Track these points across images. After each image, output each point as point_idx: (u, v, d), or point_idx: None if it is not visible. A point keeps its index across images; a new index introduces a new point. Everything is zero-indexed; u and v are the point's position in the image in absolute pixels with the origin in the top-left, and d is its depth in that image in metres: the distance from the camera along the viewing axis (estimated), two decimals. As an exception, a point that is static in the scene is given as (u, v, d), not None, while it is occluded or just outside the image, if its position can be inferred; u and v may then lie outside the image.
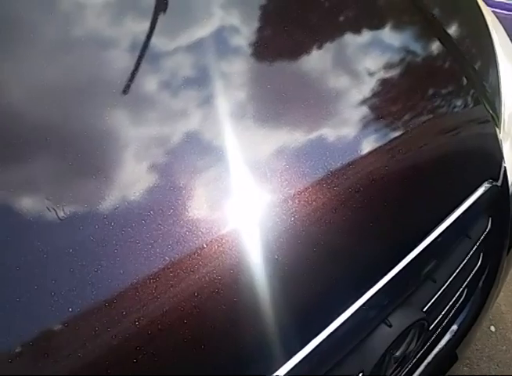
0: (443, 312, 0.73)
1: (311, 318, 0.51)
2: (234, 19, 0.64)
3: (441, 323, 0.76)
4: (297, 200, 0.51)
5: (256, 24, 0.65)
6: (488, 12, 1.05)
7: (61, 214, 0.42)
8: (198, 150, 0.50)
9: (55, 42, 0.53)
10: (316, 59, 0.66)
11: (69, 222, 0.42)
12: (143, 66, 0.54)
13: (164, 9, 0.61)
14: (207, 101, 0.54)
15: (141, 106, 0.51)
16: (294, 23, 0.68)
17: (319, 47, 0.68)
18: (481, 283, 0.83)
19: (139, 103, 0.51)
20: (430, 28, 0.81)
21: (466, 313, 0.83)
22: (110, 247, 0.41)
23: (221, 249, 0.45)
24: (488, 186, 0.73)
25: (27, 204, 0.42)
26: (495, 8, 2.01)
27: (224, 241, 0.46)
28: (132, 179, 0.46)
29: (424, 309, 0.65)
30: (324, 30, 0.71)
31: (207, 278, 0.44)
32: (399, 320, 0.58)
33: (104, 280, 0.40)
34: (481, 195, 0.70)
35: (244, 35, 0.62)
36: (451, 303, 0.75)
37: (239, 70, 0.58)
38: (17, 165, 0.44)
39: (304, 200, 0.51)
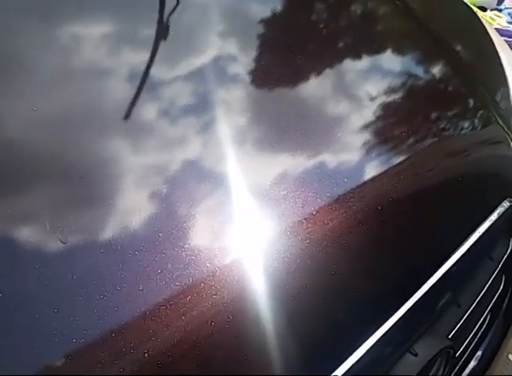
0: (468, 339, 0.70)
1: (331, 348, 0.48)
2: (234, 47, 0.64)
3: (467, 350, 0.72)
4: (312, 224, 0.50)
5: (257, 52, 0.65)
6: (493, 32, 1.05)
7: (65, 242, 0.41)
8: (204, 177, 0.49)
9: (56, 73, 0.54)
10: (335, 84, 0.65)
11: (72, 250, 0.41)
12: (144, 95, 0.54)
13: (163, 39, 0.61)
14: (211, 129, 0.53)
15: (145, 135, 0.51)
16: (297, 50, 0.67)
17: (338, 70, 0.68)
18: (504, 306, 0.81)
19: (143, 132, 0.51)
20: (440, 50, 0.82)
21: (490, 339, 0.79)
22: (116, 276, 0.40)
23: (234, 276, 0.44)
24: (508, 204, 0.71)
25: (31, 231, 0.41)
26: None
27: (237, 268, 0.44)
28: (140, 207, 0.45)
29: (450, 336, 0.63)
30: (337, 54, 0.71)
31: (219, 307, 0.42)
32: (425, 349, 0.56)
33: (110, 309, 0.39)
34: (501, 214, 0.68)
35: (245, 63, 0.62)
36: (476, 329, 0.72)
37: (241, 97, 0.58)
38: (22, 194, 0.44)
39: (319, 223, 0.50)
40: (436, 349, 0.56)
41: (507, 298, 0.80)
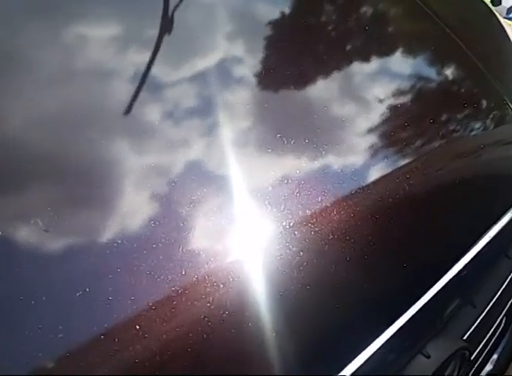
0: (484, 341, 0.68)
1: (338, 348, 0.47)
2: (238, 48, 0.63)
3: (482, 353, 0.70)
4: (319, 223, 0.48)
5: (262, 53, 0.64)
6: (510, 29, 1.03)
7: (58, 243, 0.40)
8: (204, 179, 0.48)
9: (57, 73, 0.53)
10: (345, 85, 0.63)
11: (67, 252, 0.40)
12: (147, 96, 0.53)
13: (167, 39, 0.60)
14: (214, 131, 0.52)
15: (145, 136, 0.50)
16: (303, 51, 0.66)
17: (348, 70, 0.66)
18: None
19: (145, 133, 0.50)
20: (454, 47, 0.79)
21: (506, 342, 0.78)
22: (109, 278, 0.39)
23: (238, 276, 0.43)
24: None
25: (25, 230, 0.40)
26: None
27: (241, 268, 0.43)
28: (137, 209, 0.44)
29: (465, 337, 0.60)
30: (345, 54, 0.69)
31: (213, 310, 0.41)
32: (438, 350, 0.53)
33: (102, 307, 0.38)
34: None
35: (250, 64, 0.60)
36: (491, 331, 0.69)
37: (246, 99, 0.56)
38: (18, 195, 0.43)
39: (326, 221, 0.48)
40: (450, 351, 0.54)
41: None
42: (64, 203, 0.43)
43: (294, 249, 0.45)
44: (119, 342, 0.36)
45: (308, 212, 0.48)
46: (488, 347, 0.71)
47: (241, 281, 0.42)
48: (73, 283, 0.38)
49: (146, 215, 0.43)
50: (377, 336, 0.48)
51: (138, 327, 0.37)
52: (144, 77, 0.54)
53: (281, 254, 0.45)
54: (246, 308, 0.42)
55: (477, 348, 0.66)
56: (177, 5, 0.64)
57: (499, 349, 0.76)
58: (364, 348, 0.47)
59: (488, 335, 0.68)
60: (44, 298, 0.37)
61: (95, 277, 0.39)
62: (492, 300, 0.65)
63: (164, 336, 0.38)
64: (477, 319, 0.62)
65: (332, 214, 0.49)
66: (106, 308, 0.38)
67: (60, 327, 0.36)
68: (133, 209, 0.44)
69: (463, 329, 0.61)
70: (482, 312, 0.63)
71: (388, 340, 0.48)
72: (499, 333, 0.75)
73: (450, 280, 0.55)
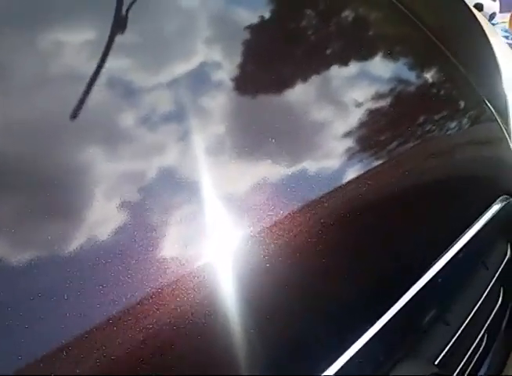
0: (461, 366, 0.61)
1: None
2: (214, 52, 0.63)
3: (460, 380, 0.63)
4: (282, 235, 0.46)
5: (237, 58, 0.63)
6: (486, 25, 1.01)
7: (27, 255, 0.40)
8: (177, 187, 0.47)
9: (25, 80, 0.53)
10: (323, 90, 0.63)
11: (36, 263, 0.39)
12: (119, 102, 0.53)
13: (141, 43, 0.60)
14: (188, 137, 0.52)
15: (118, 143, 0.50)
16: (278, 56, 0.65)
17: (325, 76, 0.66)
18: (503, 325, 0.73)
19: (117, 140, 0.50)
20: (431, 46, 0.79)
21: (489, 365, 0.71)
22: (78, 289, 0.39)
23: (202, 287, 0.42)
24: (504, 203, 0.65)
25: None
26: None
27: (205, 280, 0.42)
28: (109, 215, 0.44)
29: (437, 362, 0.54)
30: (324, 58, 0.69)
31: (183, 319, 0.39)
32: (404, 378, 0.49)
33: (73, 314, 0.37)
34: (496, 213, 0.63)
35: (224, 69, 0.61)
36: (470, 353, 0.63)
37: (220, 104, 0.56)
38: None
39: (296, 229, 0.47)
40: (418, 378, 0.49)
41: (507, 315, 0.72)
42: (31, 212, 0.43)
43: (270, 253, 0.45)
44: (84, 349, 0.36)
45: (281, 217, 0.47)
46: (467, 372, 0.64)
47: (221, 285, 0.42)
48: (40, 294, 0.38)
49: (114, 224, 0.43)
50: (332, 361, 0.43)
51: (108, 333, 0.37)
52: (113, 82, 0.54)
53: (260, 256, 0.44)
54: (228, 311, 0.41)
55: (452, 375, 0.60)
56: (149, 10, 0.64)
57: (481, 374, 0.69)
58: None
59: (465, 358, 0.62)
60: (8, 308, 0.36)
61: (65, 285, 0.38)
62: (468, 316, 0.59)
63: (132, 343, 0.37)
64: (451, 340, 0.57)
65: (299, 220, 0.47)
66: (71, 318, 0.37)
67: (24, 335, 0.35)
68: (102, 218, 0.44)
69: (434, 351, 0.56)
70: (457, 331, 0.58)
71: (344, 365, 0.43)
72: (480, 354, 0.68)
73: (418, 292, 0.51)
